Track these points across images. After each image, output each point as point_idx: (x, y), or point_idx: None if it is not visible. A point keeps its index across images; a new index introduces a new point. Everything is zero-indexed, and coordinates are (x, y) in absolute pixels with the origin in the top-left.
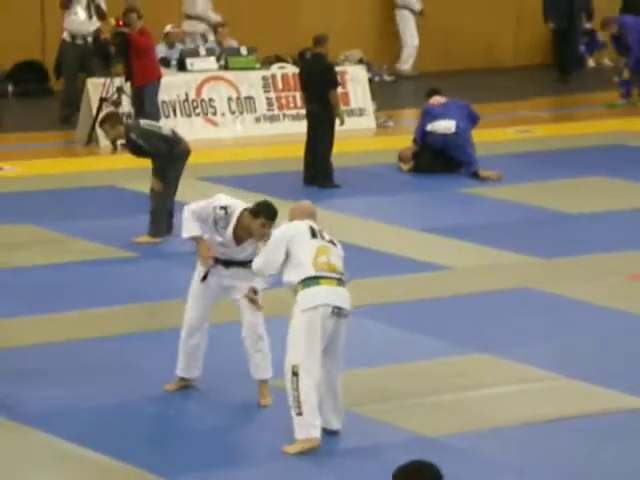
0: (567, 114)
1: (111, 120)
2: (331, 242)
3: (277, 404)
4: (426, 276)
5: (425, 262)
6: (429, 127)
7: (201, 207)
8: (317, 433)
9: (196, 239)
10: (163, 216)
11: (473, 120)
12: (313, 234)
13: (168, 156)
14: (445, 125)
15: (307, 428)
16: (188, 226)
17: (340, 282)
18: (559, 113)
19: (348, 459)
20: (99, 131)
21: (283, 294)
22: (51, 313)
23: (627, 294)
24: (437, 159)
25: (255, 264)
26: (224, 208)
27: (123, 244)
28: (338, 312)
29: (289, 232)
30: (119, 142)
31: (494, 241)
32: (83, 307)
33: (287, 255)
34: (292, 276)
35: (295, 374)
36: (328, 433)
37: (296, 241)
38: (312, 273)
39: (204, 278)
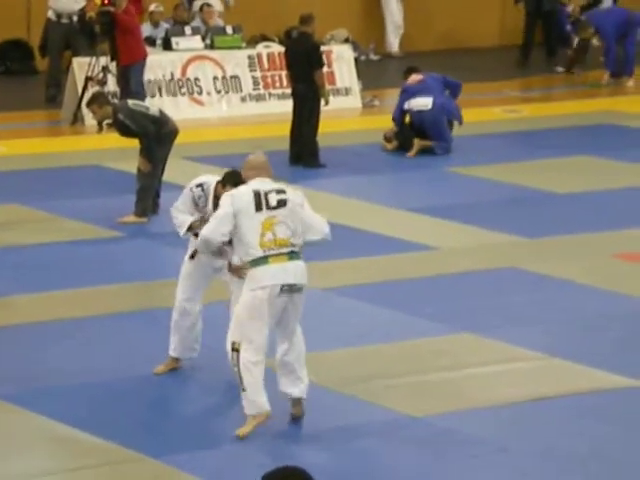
0: (554, 94)
1: (99, 100)
2: (279, 204)
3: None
4: (411, 256)
5: (410, 242)
6: (406, 105)
7: (181, 198)
8: (263, 407)
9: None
10: (150, 196)
11: (454, 89)
12: (258, 205)
13: (156, 136)
14: (422, 102)
15: (253, 404)
16: (178, 222)
17: (292, 255)
18: (546, 93)
19: (331, 439)
20: (85, 110)
21: None
22: (36, 293)
23: (614, 274)
24: (418, 137)
25: (202, 233)
26: (200, 185)
27: (109, 224)
28: (289, 289)
29: (235, 205)
30: (105, 122)
31: (480, 220)
32: (69, 287)
33: (235, 228)
34: (241, 253)
35: (235, 350)
36: (294, 400)
37: (242, 216)
38: (260, 253)
39: (192, 257)
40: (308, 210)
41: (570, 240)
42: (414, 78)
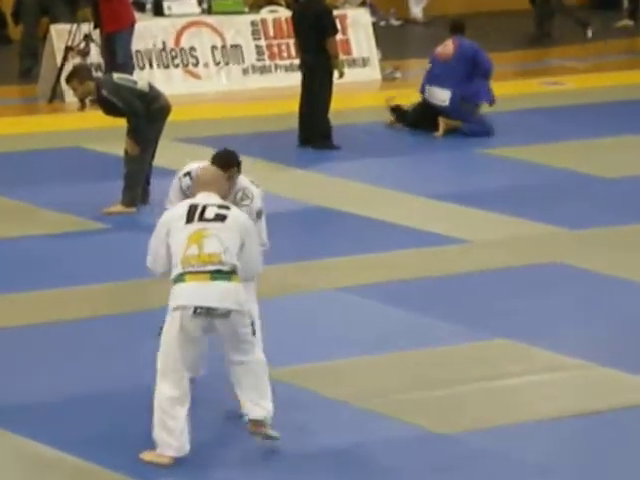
0: (602, 63)
1: (79, 75)
2: (216, 218)
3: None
4: (439, 250)
5: (438, 234)
6: (427, 91)
7: (171, 190)
8: (168, 451)
9: None
10: (139, 183)
11: (484, 73)
12: (189, 216)
13: (145, 114)
14: (439, 96)
15: (158, 443)
16: None
17: (216, 275)
18: (593, 62)
19: (347, 458)
20: (65, 85)
21: (275, 273)
22: (8, 293)
23: None
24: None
25: (147, 262)
26: (187, 174)
27: (93, 214)
28: (206, 312)
29: (167, 223)
30: (88, 99)
31: (517, 209)
32: (47, 287)
33: (168, 249)
34: (172, 274)
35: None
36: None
37: (172, 232)
38: (179, 270)
39: None
40: (253, 242)
41: (620, 231)
42: (445, 50)
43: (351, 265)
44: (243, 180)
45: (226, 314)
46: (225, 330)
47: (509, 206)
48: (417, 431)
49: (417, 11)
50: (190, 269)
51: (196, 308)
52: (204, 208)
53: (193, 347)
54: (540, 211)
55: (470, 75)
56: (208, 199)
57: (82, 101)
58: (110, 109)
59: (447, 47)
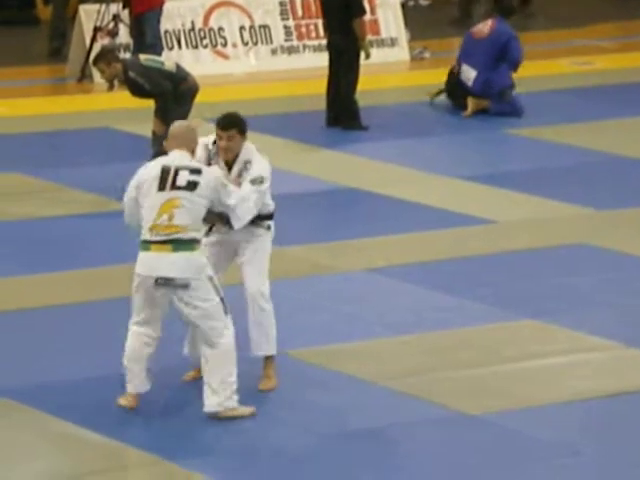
0: (632, 43)
1: (106, 57)
2: (188, 186)
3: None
4: (465, 231)
5: (465, 215)
6: (461, 68)
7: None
8: (130, 389)
9: None
10: None
11: (510, 64)
12: (162, 183)
13: (173, 95)
14: (467, 74)
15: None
16: None
17: (178, 246)
18: (623, 42)
19: (378, 437)
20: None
21: (304, 253)
22: (40, 273)
23: None
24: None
25: (124, 218)
26: (215, 142)
27: (121, 195)
28: (165, 282)
29: (138, 183)
30: (116, 80)
31: (544, 190)
32: (76, 267)
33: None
34: (141, 236)
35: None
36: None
37: (142, 194)
38: (147, 237)
39: (209, 230)
40: (226, 193)
41: None
42: (481, 29)
43: (379, 246)
44: (250, 152)
45: (186, 285)
46: (188, 303)
47: (537, 187)
48: (446, 412)
49: None
50: (157, 238)
51: (157, 279)
52: (176, 173)
53: (154, 311)
54: (567, 192)
55: (498, 60)
56: (181, 160)
57: (110, 82)
58: (137, 90)
59: (484, 27)
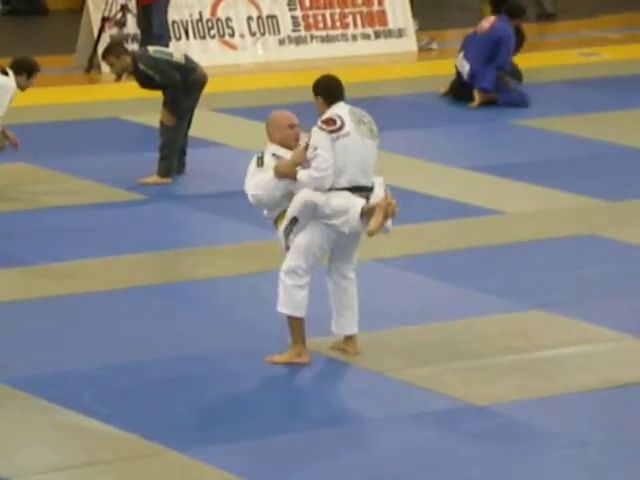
0: (638, 34)
1: (115, 50)
2: None
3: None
4: (474, 221)
5: (473, 205)
6: (459, 58)
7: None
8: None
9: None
10: (174, 153)
11: (497, 65)
12: None
13: (182, 86)
14: (462, 66)
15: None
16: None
17: None
18: (631, 33)
19: (384, 430)
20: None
21: None
22: (49, 263)
23: None
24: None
25: None
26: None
27: (129, 185)
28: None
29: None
30: (125, 73)
31: (552, 181)
32: (84, 257)
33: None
34: None
35: None
36: None
37: None
38: None
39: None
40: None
41: None
42: (483, 24)
43: (387, 236)
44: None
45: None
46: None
47: (545, 178)
48: (453, 403)
49: None
50: None
51: None
52: None
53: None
54: (576, 183)
55: (489, 58)
56: None
57: (119, 75)
58: (147, 82)
59: (486, 22)
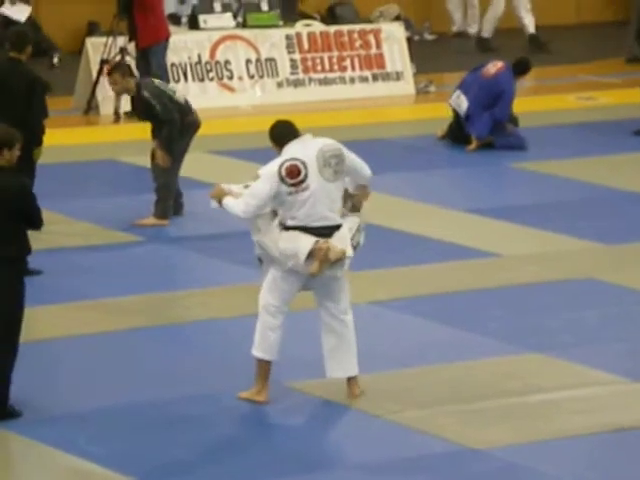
0: (636, 79)
1: (122, 69)
2: None
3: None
4: (471, 264)
5: (470, 248)
6: (454, 96)
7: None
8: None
9: None
10: (171, 194)
11: (494, 117)
12: None
13: (179, 125)
14: (460, 102)
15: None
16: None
17: None
18: (627, 78)
19: (380, 471)
20: (100, 97)
21: None
22: (43, 305)
23: None
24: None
25: None
26: None
27: (125, 226)
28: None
29: None
30: (122, 110)
31: (550, 224)
32: (79, 298)
33: None
34: None
35: None
36: None
37: None
38: None
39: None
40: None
41: None
42: (489, 68)
43: (384, 278)
44: None
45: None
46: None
47: (542, 220)
48: (450, 446)
49: (473, 30)
50: None
51: None
52: None
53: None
54: (573, 226)
55: (487, 106)
56: None
57: (118, 101)
58: (146, 112)
59: (493, 67)
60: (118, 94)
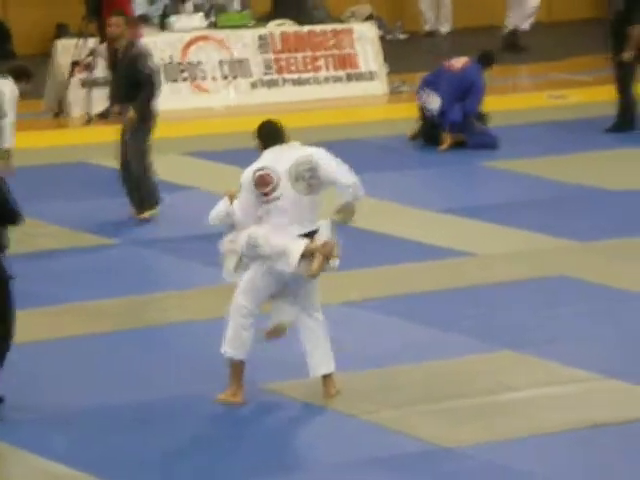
0: (607, 77)
1: (128, 18)
2: None
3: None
4: (445, 263)
5: (443, 247)
6: (422, 95)
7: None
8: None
9: None
10: (151, 181)
11: (465, 110)
12: None
13: (154, 95)
14: (430, 100)
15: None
16: None
17: None
18: (598, 75)
19: (355, 471)
20: (71, 98)
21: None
22: (17, 310)
23: None
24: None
25: None
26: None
27: (99, 229)
28: None
29: None
30: (93, 112)
31: (522, 222)
32: (53, 303)
33: None
34: None
35: None
36: None
37: None
38: None
39: None
40: None
41: (626, 244)
42: (455, 63)
43: (357, 279)
44: None
45: None
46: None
47: (514, 219)
48: (424, 445)
49: (445, 29)
50: None
51: None
52: None
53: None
54: (545, 224)
55: (458, 99)
56: None
57: (111, 40)
58: (131, 67)
59: (458, 62)
60: (110, 36)
